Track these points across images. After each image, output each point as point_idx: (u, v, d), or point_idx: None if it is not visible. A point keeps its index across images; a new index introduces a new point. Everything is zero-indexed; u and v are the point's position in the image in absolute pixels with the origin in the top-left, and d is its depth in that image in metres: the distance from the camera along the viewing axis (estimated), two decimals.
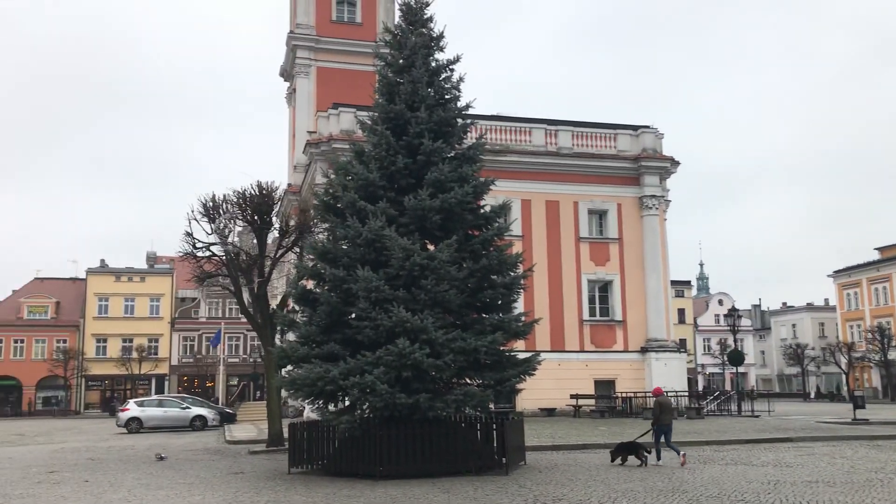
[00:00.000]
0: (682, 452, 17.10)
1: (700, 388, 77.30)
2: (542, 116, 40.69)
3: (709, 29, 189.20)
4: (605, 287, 40.52)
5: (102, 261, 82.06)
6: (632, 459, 17.12)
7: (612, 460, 17.15)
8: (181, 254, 22.04)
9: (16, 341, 75.83)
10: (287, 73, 52.86)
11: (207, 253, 22.34)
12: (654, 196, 41.02)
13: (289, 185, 42.61)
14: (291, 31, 49.34)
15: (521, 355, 17.04)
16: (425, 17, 17.73)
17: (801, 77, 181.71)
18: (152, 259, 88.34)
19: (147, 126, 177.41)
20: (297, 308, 17.74)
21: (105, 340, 76.61)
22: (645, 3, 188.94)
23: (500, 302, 16.72)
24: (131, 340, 76.19)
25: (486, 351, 15.36)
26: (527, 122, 40.26)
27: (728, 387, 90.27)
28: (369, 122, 17.01)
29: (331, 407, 16.03)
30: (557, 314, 38.66)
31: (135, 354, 73.85)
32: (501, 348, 16.41)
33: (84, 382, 75.46)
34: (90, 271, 78.62)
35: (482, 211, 17.04)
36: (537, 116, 40.65)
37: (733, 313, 41.58)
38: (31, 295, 78.46)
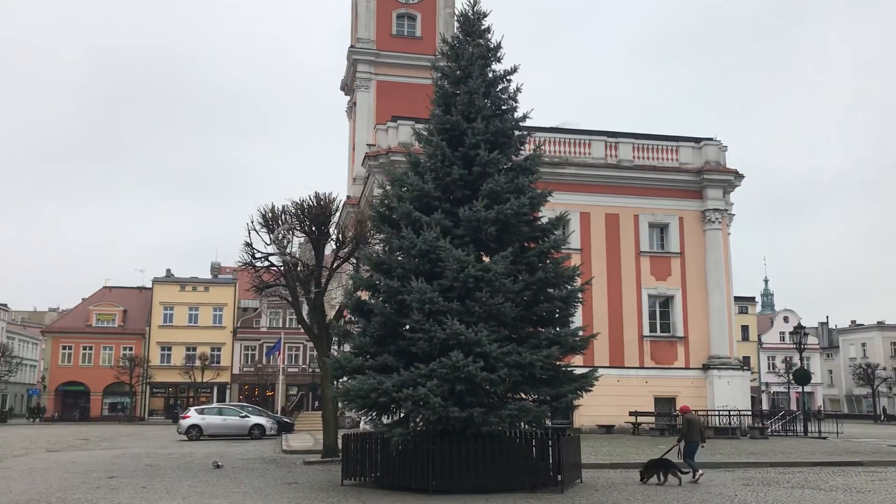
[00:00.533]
0: (699, 472, 16.94)
1: (765, 407, 75.11)
2: (602, 129, 40.19)
3: (782, 40, 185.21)
4: (665, 302, 39.70)
5: (168, 270, 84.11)
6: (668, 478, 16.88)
7: (643, 479, 16.90)
8: (241, 264, 22.32)
9: (84, 348, 78.09)
10: (348, 87, 53.45)
11: (266, 263, 22.56)
12: (717, 210, 40.08)
13: (348, 197, 42.97)
14: (352, 46, 49.91)
15: (579, 371, 16.72)
16: (482, 28, 17.64)
17: (877, 88, 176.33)
18: (216, 269, 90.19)
19: (213, 141, 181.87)
20: (352, 319, 17.75)
21: (169, 348, 78.31)
22: (715, 16, 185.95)
23: (556, 315, 16.44)
24: (195, 349, 77.71)
25: (541, 366, 15.08)
26: (586, 134, 39.82)
27: (794, 406, 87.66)
28: (425, 134, 16.96)
29: (384, 419, 15.93)
30: (617, 329, 37.99)
31: (198, 363, 75.30)
32: (558, 363, 16.12)
33: (149, 389, 77.25)
34: (156, 281, 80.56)
35: (539, 223, 16.80)
36: (597, 129, 40.17)
37: (799, 330, 40.24)
38: (100, 303, 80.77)
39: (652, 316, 39.37)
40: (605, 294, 37.68)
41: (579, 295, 16.54)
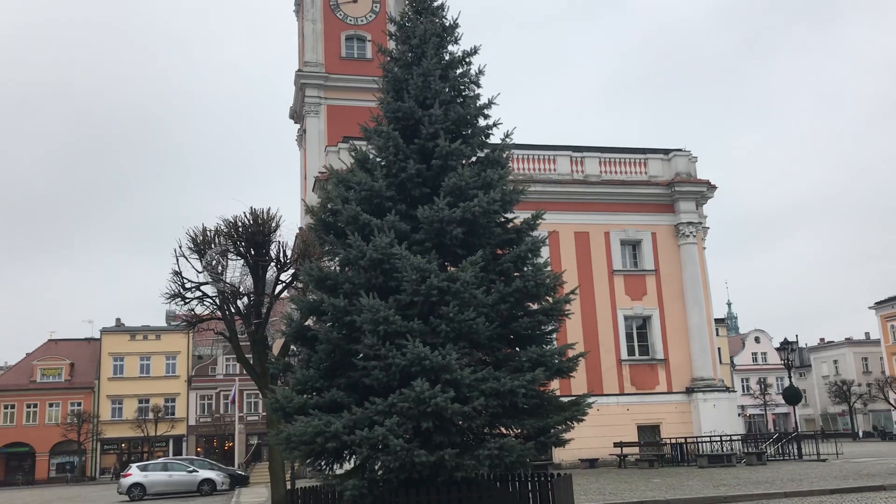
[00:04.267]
0: None
1: (741, 430, 72.95)
2: (566, 143, 38.08)
3: (741, 75, 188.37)
4: (643, 323, 37.33)
5: (118, 320, 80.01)
6: None
7: None
8: (168, 296, 19.33)
9: (28, 406, 73.41)
10: (297, 115, 50.85)
11: (198, 294, 19.59)
12: (690, 223, 38.02)
13: (300, 228, 40.07)
14: (300, 70, 47.42)
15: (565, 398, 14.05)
16: (435, 4, 15.16)
17: (833, 119, 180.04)
18: (171, 317, 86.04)
19: (163, 184, 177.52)
20: (294, 350, 14.91)
21: (121, 402, 74.07)
22: (672, 60, 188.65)
23: (537, 333, 13.77)
24: (147, 401, 73.53)
25: (524, 393, 12.38)
26: (551, 150, 37.61)
27: (771, 428, 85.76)
28: (373, 124, 14.32)
29: (335, 468, 13.07)
30: (594, 354, 35.40)
31: (151, 415, 71.15)
32: (542, 389, 13.47)
33: (99, 446, 72.72)
34: (105, 331, 76.49)
35: (512, 224, 14.18)
36: (561, 143, 38.03)
37: (786, 346, 38.00)
38: (45, 357, 76.37)
39: (629, 338, 36.94)
40: (580, 317, 35.13)
41: (564, 307, 13.90)
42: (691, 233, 37.85)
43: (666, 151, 38.99)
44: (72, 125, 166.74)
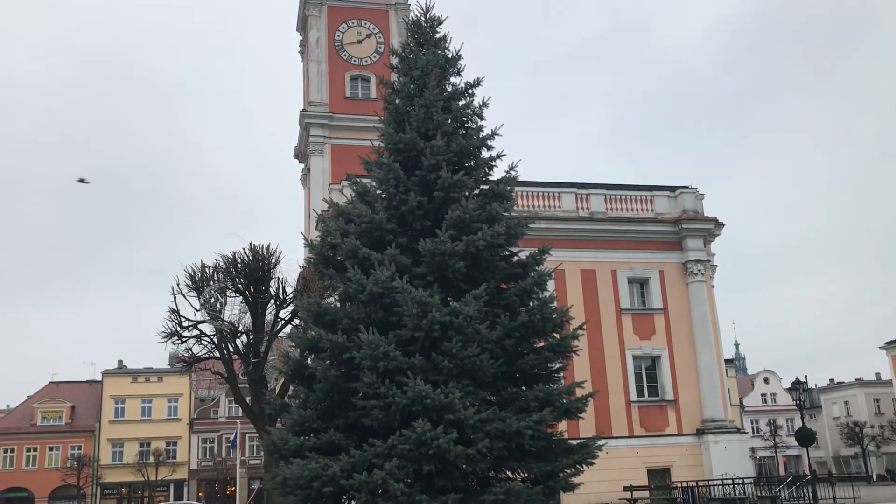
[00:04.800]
0: None
1: (751, 472, 71.51)
2: (572, 180, 37.71)
3: (747, 116, 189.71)
4: (652, 363, 36.54)
5: (120, 361, 79.34)
6: None
7: None
8: (165, 335, 18.85)
9: (28, 450, 72.33)
10: (301, 154, 50.81)
11: (195, 332, 19.13)
12: (698, 261, 37.38)
13: (301, 266, 39.73)
14: (304, 110, 47.45)
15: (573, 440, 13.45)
16: (437, 36, 14.94)
17: (845, 155, 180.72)
18: (175, 358, 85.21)
19: (168, 226, 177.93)
20: (293, 390, 14.38)
21: (121, 445, 72.91)
22: (678, 102, 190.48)
23: (544, 371, 13.25)
24: (148, 444, 72.41)
25: (531, 434, 11.84)
26: (555, 187, 37.16)
27: (782, 471, 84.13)
28: (374, 156, 13.98)
29: None
30: (602, 395, 34.51)
31: (152, 459, 70.04)
32: (549, 431, 12.92)
33: (99, 491, 71.44)
34: (106, 373, 75.66)
35: (517, 258, 13.73)
36: (566, 180, 37.68)
37: (798, 386, 37.16)
38: (45, 400, 75.46)
39: (638, 379, 36.09)
40: (587, 356, 34.35)
41: (572, 343, 13.38)
42: (699, 270, 37.23)
43: (672, 188, 38.57)
44: (76, 168, 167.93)
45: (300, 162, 52.43)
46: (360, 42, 48.41)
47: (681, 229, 37.87)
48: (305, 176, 49.77)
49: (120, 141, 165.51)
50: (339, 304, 13.33)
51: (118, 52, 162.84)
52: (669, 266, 37.66)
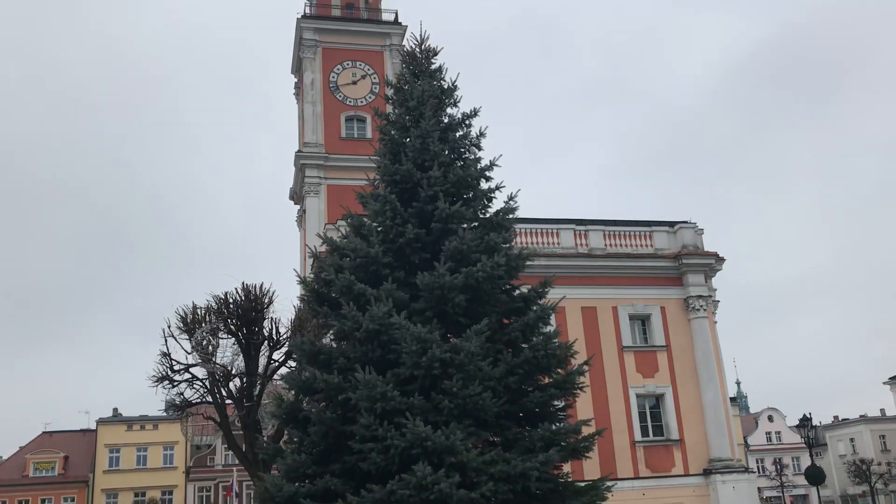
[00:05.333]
0: None
1: None
2: (569, 216, 37.35)
3: (745, 154, 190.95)
4: (656, 402, 35.80)
5: (115, 409, 78.08)
6: None
7: None
8: (155, 379, 18.23)
9: (20, 502, 70.77)
10: (297, 195, 50.54)
11: (187, 376, 18.49)
12: (700, 296, 36.86)
13: (297, 307, 39.12)
14: (299, 151, 47.30)
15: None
16: (433, 67, 14.62)
17: (836, 195, 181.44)
18: (171, 405, 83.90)
19: (164, 271, 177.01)
20: (290, 433, 13.74)
21: (116, 496, 71.31)
22: (676, 142, 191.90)
23: (549, 409, 12.66)
24: (144, 494, 70.90)
25: (537, 476, 11.21)
26: (553, 223, 36.81)
27: None
28: (369, 189, 13.55)
29: None
30: (606, 435, 33.69)
31: None
32: (556, 473, 12.28)
33: None
34: (101, 421, 74.38)
35: (519, 291, 13.23)
36: (564, 217, 37.32)
37: (806, 423, 36.34)
38: (38, 450, 74.03)
39: (643, 418, 35.30)
40: (590, 396, 33.63)
41: (578, 379, 12.82)
42: (701, 306, 36.70)
43: (671, 224, 38.25)
44: (71, 214, 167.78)
45: (296, 203, 52.13)
46: (355, 83, 48.45)
47: (681, 264, 37.43)
48: (301, 217, 49.43)
49: (115, 185, 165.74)
50: (334, 344, 12.76)
51: (106, 90, 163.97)
52: (671, 302, 37.15)
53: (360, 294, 12.01)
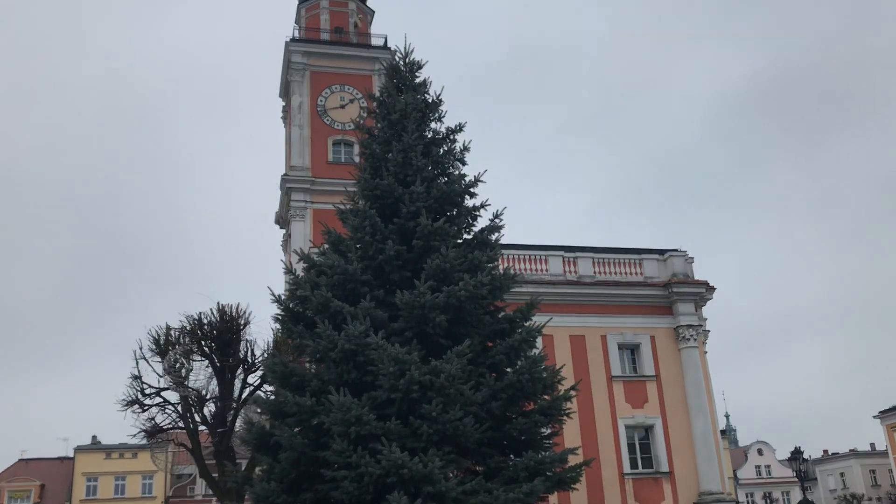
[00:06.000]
0: None
1: None
2: (558, 243, 36.85)
3: (737, 184, 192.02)
4: (645, 433, 35.05)
5: (94, 437, 76.52)
6: None
7: None
8: (125, 403, 17.46)
9: None
10: (283, 220, 49.92)
11: (158, 400, 17.73)
12: (690, 326, 36.28)
13: (275, 329, 38.29)
14: (285, 174, 46.75)
15: None
16: (417, 81, 14.15)
17: (826, 229, 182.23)
18: (141, 430, 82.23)
19: (146, 296, 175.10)
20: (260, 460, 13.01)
21: None
22: (667, 177, 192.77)
23: (534, 437, 12.01)
24: None
25: None
26: (542, 250, 36.29)
27: None
28: (349, 205, 12.98)
29: None
30: (594, 467, 32.81)
31: None
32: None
33: None
34: (79, 449, 72.79)
35: (503, 313, 12.63)
36: (553, 243, 36.82)
37: (797, 456, 35.65)
38: (14, 478, 72.30)
39: (631, 450, 34.50)
40: (578, 427, 32.86)
41: (564, 405, 12.19)
42: (692, 336, 36.11)
43: (661, 252, 37.77)
44: (52, 235, 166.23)
45: (281, 227, 51.46)
46: (343, 107, 48.07)
47: (671, 293, 36.90)
48: (286, 242, 48.75)
49: (91, 207, 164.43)
50: (314, 367, 12.12)
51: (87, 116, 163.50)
52: (660, 331, 36.54)
53: (337, 312, 11.39)
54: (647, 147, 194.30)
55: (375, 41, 51.26)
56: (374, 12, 52.22)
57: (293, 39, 50.15)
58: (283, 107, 53.54)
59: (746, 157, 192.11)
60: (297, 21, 51.80)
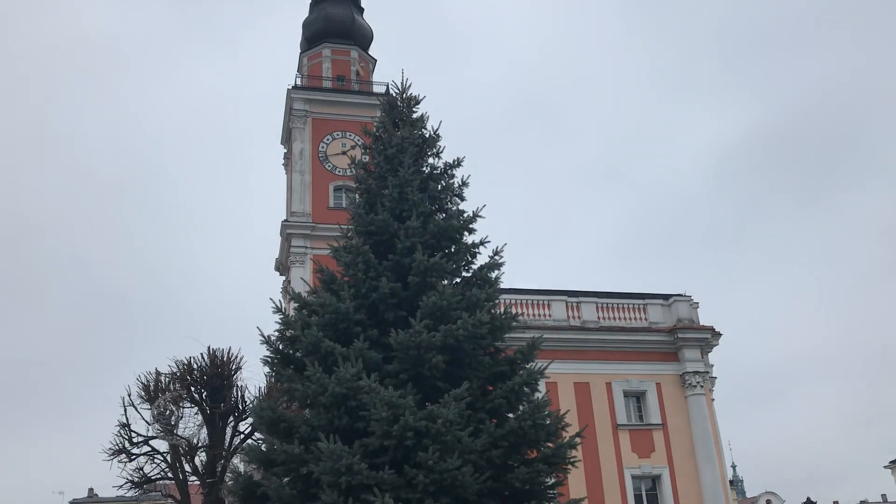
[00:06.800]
0: None
1: None
2: (561, 288, 36.27)
3: (742, 234, 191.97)
4: (652, 484, 34.00)
5: (91, 490, 74.98)
6: None
7: None
8: (111, 452, 16.73)
9: None
10: (283, 266, 49.45)
11: (146, 449, 16.98)
12: (696, 372, 35.48)
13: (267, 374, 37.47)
14: (286, 220, 46.44)
15: None
16: (414, 115, 13.76)
17: (831, 278, 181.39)
18: (128, 481, 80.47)
19: (146, 342, 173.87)
20: None
21: None
22: (672, 226, 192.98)
23: (537, 487, 11.30)
24: None
25: None
26: (545, 294, 35.71)
27: None
28: (342, 242, 12.47)
29: None
30: None
31: None
32: None
33: None
34: (75, 502, 71.32)
35: (504, 355, 12.02)
36: (555, 288, 36.24)
37: None
38: None
39: (638, 500, 33.44)
40: (583, 478, 31.87)
41: (569, 453, 11.50)
42: (698, 382, 35.29)
43: (666, 297, 37.15)
44: (57, 287, 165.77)
45: (281, 274, 50.93)
46: (344, 153, 48.00)
47: (677, 339, 36.20)
48: (286, 288, 48.21)
49: (106, 256, 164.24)
50: (307, 412, 11.47)
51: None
52: (666, 378, 35.76)
53: (328, 353, 10.79)
54: (653, 194, 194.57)
55: (378, 89, 51.41)
56: (375, 61, 52.46)
57: (295, 86, 50.32)
58: (285, 153, 53.49)
59: (752, 205, 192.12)
60: (300, 69, 52.10)
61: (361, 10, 54.25)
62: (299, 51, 53.04)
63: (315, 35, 51.42)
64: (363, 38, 52.67)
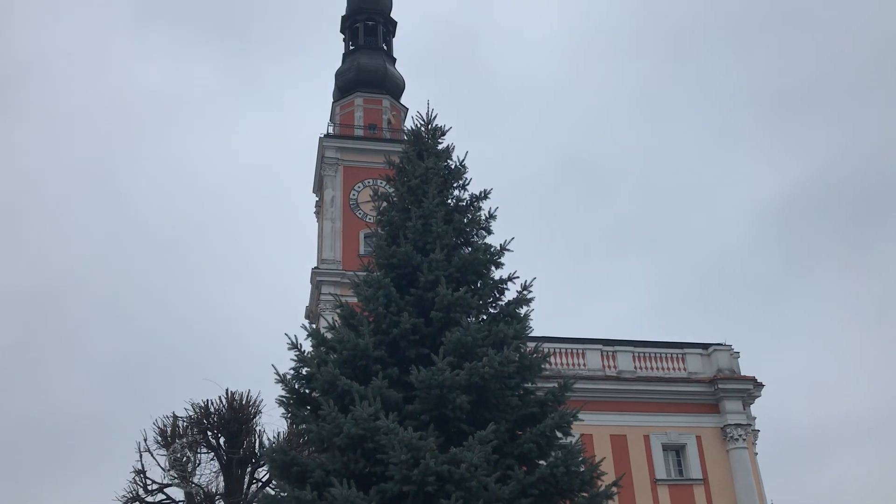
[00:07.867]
0: None
1: None
2: (596, 336, 35.21)
3: (785, 290, 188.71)
4: None
5: None
6: None
7: None
8: (123, 500, 16.06)
9: None
10: (313, 314, 49.06)
11: (161, 497, 16.29)
12: (738, 425, 34.00)
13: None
14: (316, 267, 46.19)
15: None
16: (440, 147, 13.24)
17: (877, 336, 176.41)
18: None
19: (170, 390, 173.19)
20: None
21: None
22: (712, 280, 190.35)
23: None
24: None
25: None
26: (579, 343, 34.64)
27: None
28: (362, 275, 11.87)
29: None
30: None
31: None
32: None
33: None
34: None
35: (535, 395, 11.21)
36: (589, 336, 35.18)
37: None
38: None
39: None
40: None
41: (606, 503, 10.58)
42: (740, 436, 33.77)
43: (705, 346, 35.85)
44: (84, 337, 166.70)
45: (311, 322, 50.56)
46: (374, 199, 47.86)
47: (717, 389, 34.83)
48: (304, 326, 47.67)
49: (113, 299, 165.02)
50: (316, 449, 10.76)
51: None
52: (707, 431, 34.29)
53: (345, 392, 10.10)
54: (694, 252, 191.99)
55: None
56: (407, 109, 52.64)
57: (327, 135, 50.58)
58: (316, 202, 53.61)
59: (795, 260, 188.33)
60: (332, 118, 52.44)
61: (394, 61, 54.73)
62: (332, 100, 53.51)
63: (347, 84, 51.85)
64: (395, 88, 52.98)
